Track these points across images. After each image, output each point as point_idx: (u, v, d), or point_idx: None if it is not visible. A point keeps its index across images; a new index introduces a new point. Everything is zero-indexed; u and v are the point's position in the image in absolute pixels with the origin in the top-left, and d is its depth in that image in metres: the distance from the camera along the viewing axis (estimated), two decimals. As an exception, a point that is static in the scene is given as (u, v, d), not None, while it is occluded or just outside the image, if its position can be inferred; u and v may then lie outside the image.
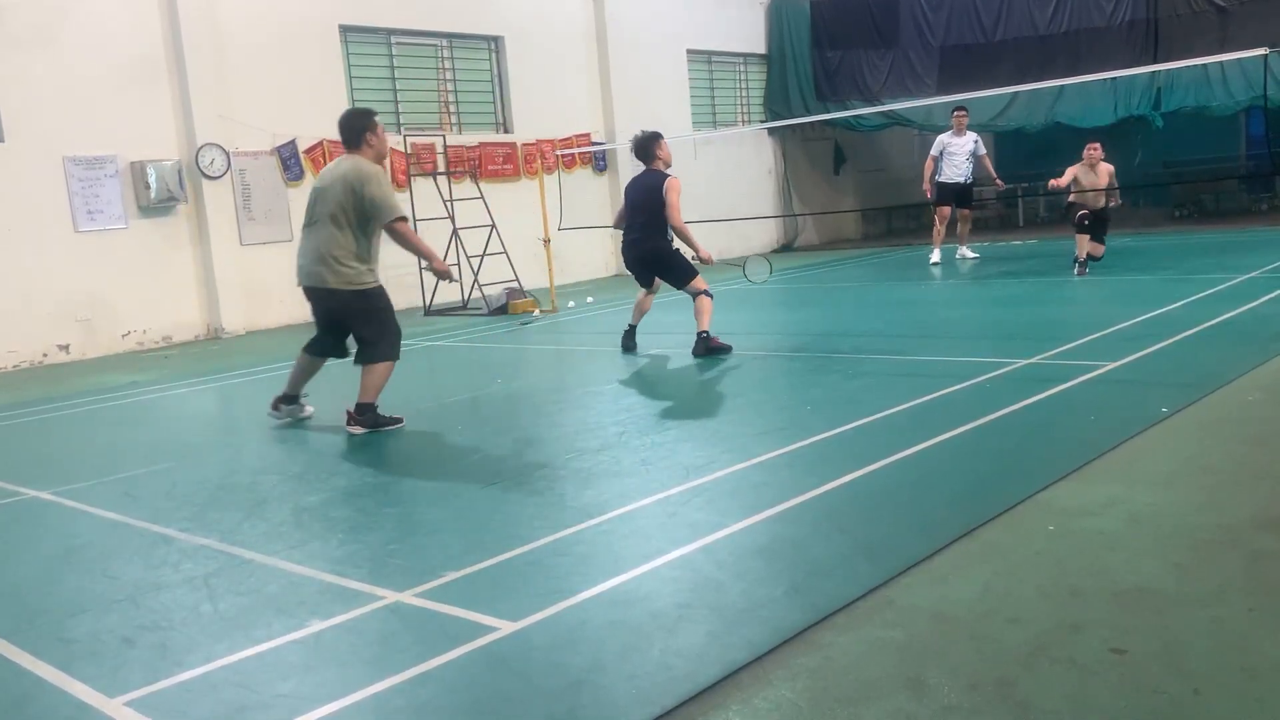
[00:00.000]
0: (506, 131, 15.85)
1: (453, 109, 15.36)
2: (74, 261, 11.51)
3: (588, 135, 16.75)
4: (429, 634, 3.13)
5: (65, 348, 11.52)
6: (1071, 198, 11.71)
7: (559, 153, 15.99)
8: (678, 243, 8.54)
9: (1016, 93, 16.02)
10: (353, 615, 3.33)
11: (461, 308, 13.38)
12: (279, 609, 3.44)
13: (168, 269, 12.31)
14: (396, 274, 14.25)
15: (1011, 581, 3.20)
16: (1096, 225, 11.65)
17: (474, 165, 14.84)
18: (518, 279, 13.24)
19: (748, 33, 19.70)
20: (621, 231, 8.79)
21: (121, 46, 11.86)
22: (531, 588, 3.42)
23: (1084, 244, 11.50)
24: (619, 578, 3.44)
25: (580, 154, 16.54)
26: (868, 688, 2.60)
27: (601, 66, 16.97)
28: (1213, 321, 7.42)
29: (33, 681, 3.06)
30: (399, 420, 6.30)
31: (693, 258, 8.60)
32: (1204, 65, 14.40)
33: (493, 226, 13.22)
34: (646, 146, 8.53)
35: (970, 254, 14.35)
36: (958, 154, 13.74)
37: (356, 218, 6.10)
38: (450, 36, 15.13)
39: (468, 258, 13.05)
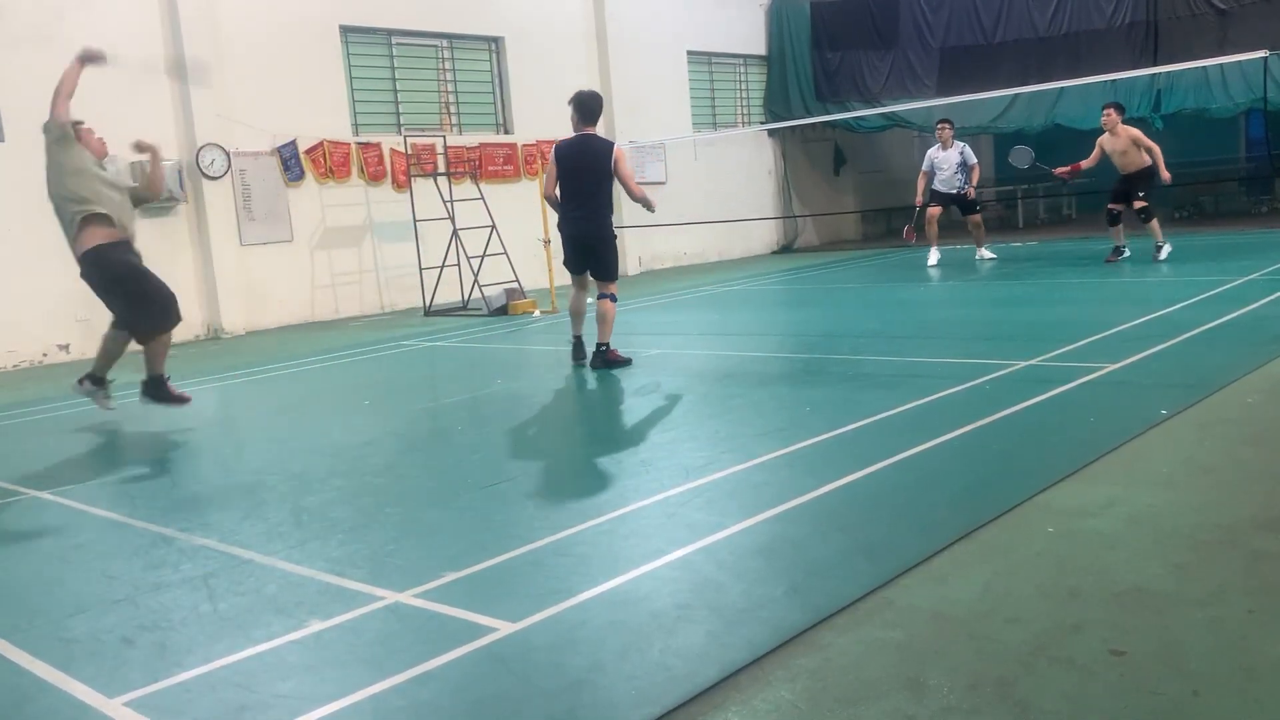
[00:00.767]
0: (507, 132, 15.86)
1: (453, 109, 15.37)
2: (73, 261, 11.46)
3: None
4: (429, 634, 3.13)
5: (65, 347, 11.52)
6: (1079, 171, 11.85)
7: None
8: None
9: (1016, 94, 16.05)
10: (352, 615, 3.33)
11: (461, 308, 13.38)
12: (278, 609, 3.44)
13: (167, 269, 12.20)
14: (397, 274, 14.30)
15: (1011, 582, 3.20)
16: (1135, 188, 11.60)
17: (474, 166, 14.85)
18: (518, 279, 13.24)
19: (748, 34, 19.71)
20: (555, 204, 7.66)
21: (121, 46, 11.83)
22: (531, 588, 3.42)
23: (1117, 234, 11.84)
24: (619, 578, 3.44)
25: (580, 155, 16.50)
26: (867, 688, 2.60)
27: (602, 67, 16.97)
28: (1212, 323, 7.42)
29: (32, 681, 3.06)
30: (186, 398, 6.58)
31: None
32: (1204, 67, 14.41)
33: (493, 227, 13.23)
34: (596, 105, 7.46)
35: (989, 254, 14.29)
36: (945, 167, 13.65)
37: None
38: (450, 37, 15.14)
39: (468, 258, 13.05)
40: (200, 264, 12.59)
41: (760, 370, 7.51)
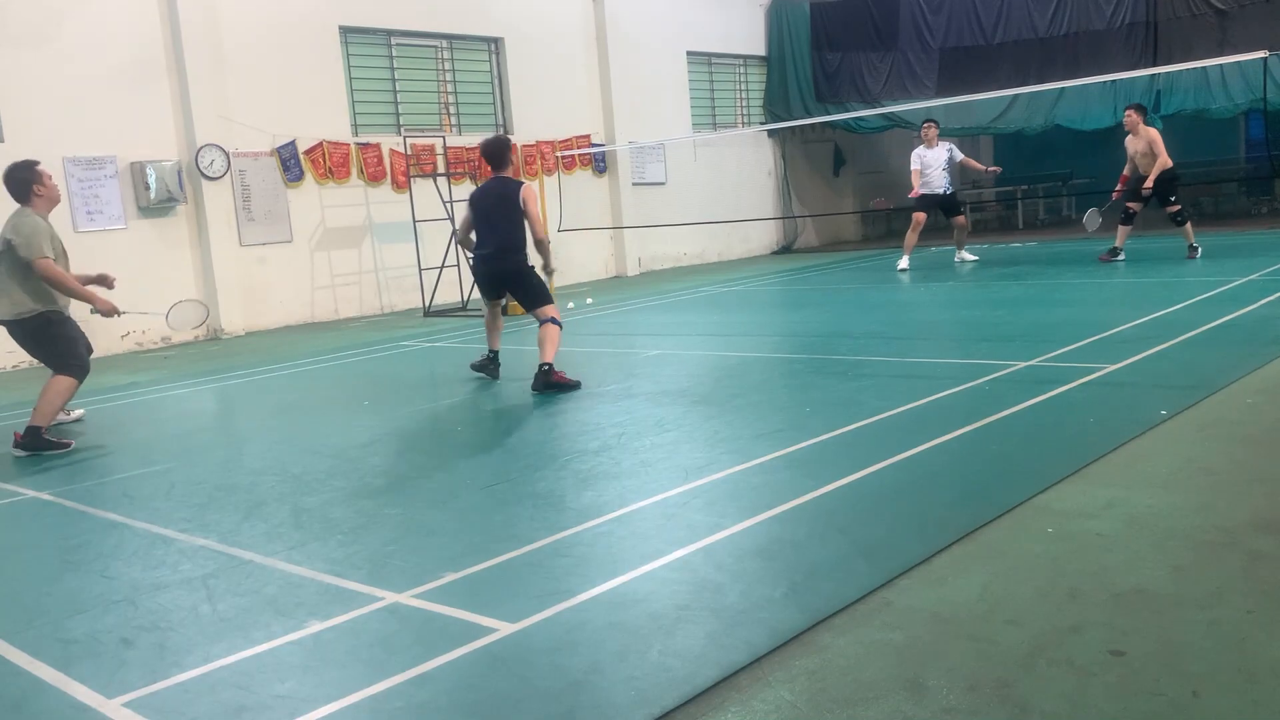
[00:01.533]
0: (506, 132, 15.86)
1: (452, 110, 15.37)
2: (73, 262, 11.42)
3: (588, 137, 16.76)
4: (428, 635, 3.13)
5: (64, 348, 11.50)
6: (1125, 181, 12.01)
7: (559, 154, 16.00)
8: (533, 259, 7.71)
9: (1016, 95, 16.05)
10: (352, 616, 3.33)
11: (461, 309, 13.38)
12: (278, 610, 3.44)
13: (167, 270, 12.30)
14: (396, 275, 14.30)
15: (1010, 583, 3.20)
16: (1161, 194, 11.79)
17: (474, 166, 14.84)
18: (517, 280, 13.22)
19: (747, 34, 19.71)
20: (469, 247, 7.96)
21: (121, 47, 11.87)
22: (530, 589, 3.42)
23: (1122, 234, 12.08)
24: (618, 579, 3.44)
25: (580, 155, 16.55)
26: (866, 689, 2.60)
27: (601, 68, 16.98)
28: (1212, 324, 7.42)
29: (31, 682, 3.06)
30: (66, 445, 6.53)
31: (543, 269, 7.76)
32: (1203, 68, 14.42)
33: (492, 227, 13.20)
34: (501, 150, 7.62)
35: (969, 256, 14.35)
36: (933, 166, 13.68)
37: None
38: (450, 37, 15.14)
39: (467, 259, 13.03)
40: (200, 265, 12.59)
41: (759, 371, 7.51)
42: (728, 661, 2.79)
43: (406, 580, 3.59)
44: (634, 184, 17.41)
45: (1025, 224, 20.77)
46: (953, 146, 13.85)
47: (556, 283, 13.42)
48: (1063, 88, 14.33)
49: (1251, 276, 9.83)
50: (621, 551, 3.75)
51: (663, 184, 17.90)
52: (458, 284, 13.47)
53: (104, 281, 7.49)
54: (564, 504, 4.39)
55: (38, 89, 11.27)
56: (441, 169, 13.81)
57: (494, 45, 15.69)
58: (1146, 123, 12.12)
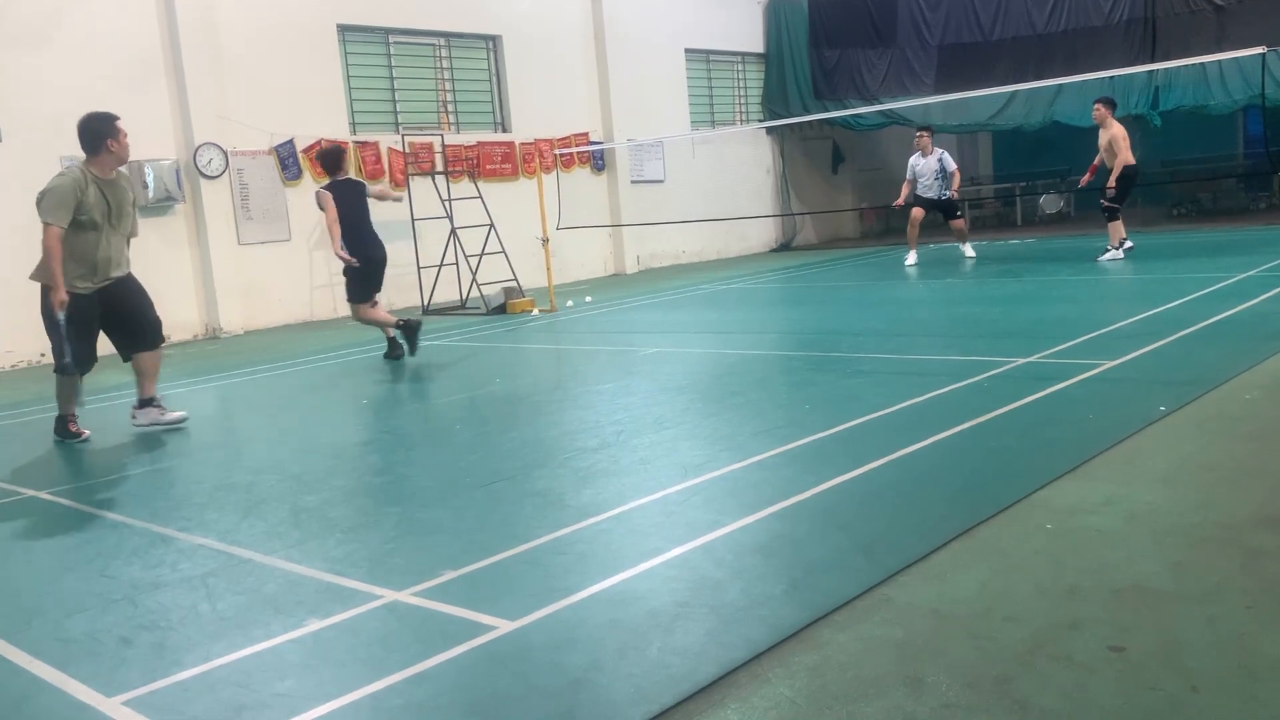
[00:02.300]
0: (505, 131, 15.85)
1: (451, 108, 15.36)
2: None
3: (586, 134, 16.75)
4: (427, 633, 3.13)
5: (63, 348, 11.50)
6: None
7: (557, 152, 15.99)
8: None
9: (1014, 92, 16.05)
10: (351, 614, 3.33)
11: (460, 307, 13.38)
12: (277, 608, 3.44)
13: (165, 269, 12.29)
14: (395, 273, 14.28)
15: (1010, 580, 3.20)
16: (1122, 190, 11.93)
17: (472, 165, 14.84)
18: (516, 278, 13.24)
19: (746, 32, 19.71)
20: (345, 249, 8.78)
21: (119, 46, 11.86)
22: (530, 587, 3.42)
23: (1116, 229, 12.07)
24: (617, 576, 3.44)
25: (578, 153, 16.54)
26: (866, 685, 2.60)
27: (600, 66, 16.97)
28: (1211, 320, 7.42)
29: (30, 681, 3.06)
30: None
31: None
32: (1202, 64, 14.44)
33: (491, 226, 13.22)
34: (335, 159, 8.92)
35: (969, 252, 14.37)
36: (925, 174, 13.84)
37: None
38: (448, 36, 15.13)
39: (466, 257, 13.05)
40: (198, 263, 12.58)
41: (758, 368, 7.51)
42: (727, 658, 2.79)
43: (406, 578, 3.59)
44: (632, 182, 17.41)
45: (1024, 220, 20.78)
46: (945, 155, 13.89)
47: (555, 281, 13.43)
48: (1061, 84, 14.32)
49: (1250, 272, 9.84)
50: (621, 549, 3.75)
51: (661, 182, 17.89)
52: (456, 282, 13.47)
53: None
54: (563, 502, 4.39)
55: (36, 88, 11.26)
56: (440, 167, 13.80)
57: (492, 43, 15.68)
58: (1117, 117, 12.26)
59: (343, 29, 13.87)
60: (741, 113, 20.10)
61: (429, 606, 3.33)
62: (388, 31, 14.44)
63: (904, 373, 6.63)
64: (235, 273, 12.74)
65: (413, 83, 14.86)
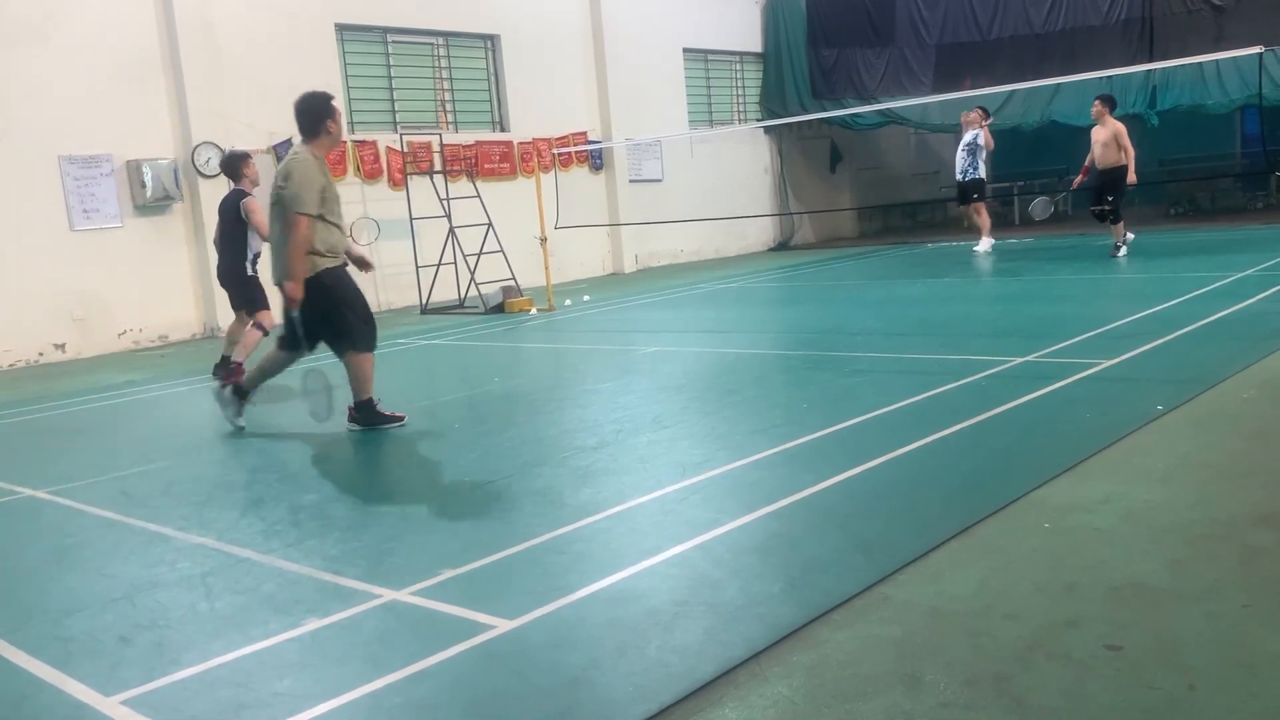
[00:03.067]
0: (503, 130, 15.85)
1: (449, 107, 15.35)
2: (69, 260, 11.50)
3: (584, 134, 16.75)
4: (426, 632, 3.13)
5: (61, 347, 11.51)
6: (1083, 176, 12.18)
7: (555, 151, 15.98)
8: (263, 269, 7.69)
9: (1012, 91, 16.05)
10: (350, 613, 3.33)
11: (458, 306, 13.37)
12: (276, 607, 3.44)
13: (163, 268, 12.29)
14: (393, 272, 14.29)
15: (1008, 578, 3.21)
16: (1105, 188, 11.99)
17: (470, 164, 14.83)
18: (514, 277, 13.23)
19: (744, 31, 19.70)
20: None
21: (117, 45, 11.85)
22: (529, 586, 3.42)
23: (1119, 231, 12.17)
24: (616, 575, 3.44)
25: (577, 152, 16.54)
26: (864, 684, 2.60)
27: (598, 65, 16.96)
28: (1208, 319, 7.43)
29: (29, 680, 3.06)
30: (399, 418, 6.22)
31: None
32: (1199, 64, 14.44)
33: (489, 225, 13.22)
34: (233, 164, 8.47)
35: (977, 248, 14.46)
36: (958, 152, 14.08)
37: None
38: (446, 35, 15.12)
39: (464, 256, 13.04)
40: (196, 262, 12.57)
41: (757, 367, 7.52)
42: (726, 657, 2.79)
43: (404, 577, 3.59)
44: (631, 181, 17.40)
45: (1021, 219, 20.77)
46: (978, 133, 13.93)
47: (554, 280, 13.42)
48: (1059, 83, 14.33)
49: (1247, 271, 9.85)
50: (619, 548, 3.75)
51: (659, 181, 17.89)
52: (454, 282, 13.46)
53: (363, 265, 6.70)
54: (562, 500, 4.39)
55: (34, 87, 11.24)
56: (438, 166, 13.79)
57: (490, 42, 15.67)
58: (1119, 117, 12.31)
59: (341, 28, 13.86)
60: (740, 112, 20.10)
61: (428, 605, 3.34)
62: (386, 31, 14.42)
63: (902, 372, 6.64)
64: (233, 272, 12.71)
65: (411, 82, 14.85)
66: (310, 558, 3.91)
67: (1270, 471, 4.05)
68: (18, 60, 11.09)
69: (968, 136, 13.96)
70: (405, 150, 14.06)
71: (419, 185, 13.84)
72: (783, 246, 20.23)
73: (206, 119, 12.43)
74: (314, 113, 6.07)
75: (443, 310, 13.18)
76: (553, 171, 15.89)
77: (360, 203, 14.10)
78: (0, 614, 3.65)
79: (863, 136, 20.78)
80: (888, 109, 16.97)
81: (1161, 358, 6.32)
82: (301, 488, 5.00)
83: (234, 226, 8.43)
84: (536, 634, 3.04)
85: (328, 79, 13.61)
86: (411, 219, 13.60)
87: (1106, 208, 12.09)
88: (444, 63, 15.21)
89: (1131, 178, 11.98)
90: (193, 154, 12.28)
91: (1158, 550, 3.33)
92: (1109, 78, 14.98)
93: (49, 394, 8.95)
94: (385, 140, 14.26)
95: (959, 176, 14.16)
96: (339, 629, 3.22)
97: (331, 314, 6.00)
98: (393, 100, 14.60)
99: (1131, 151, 11.90)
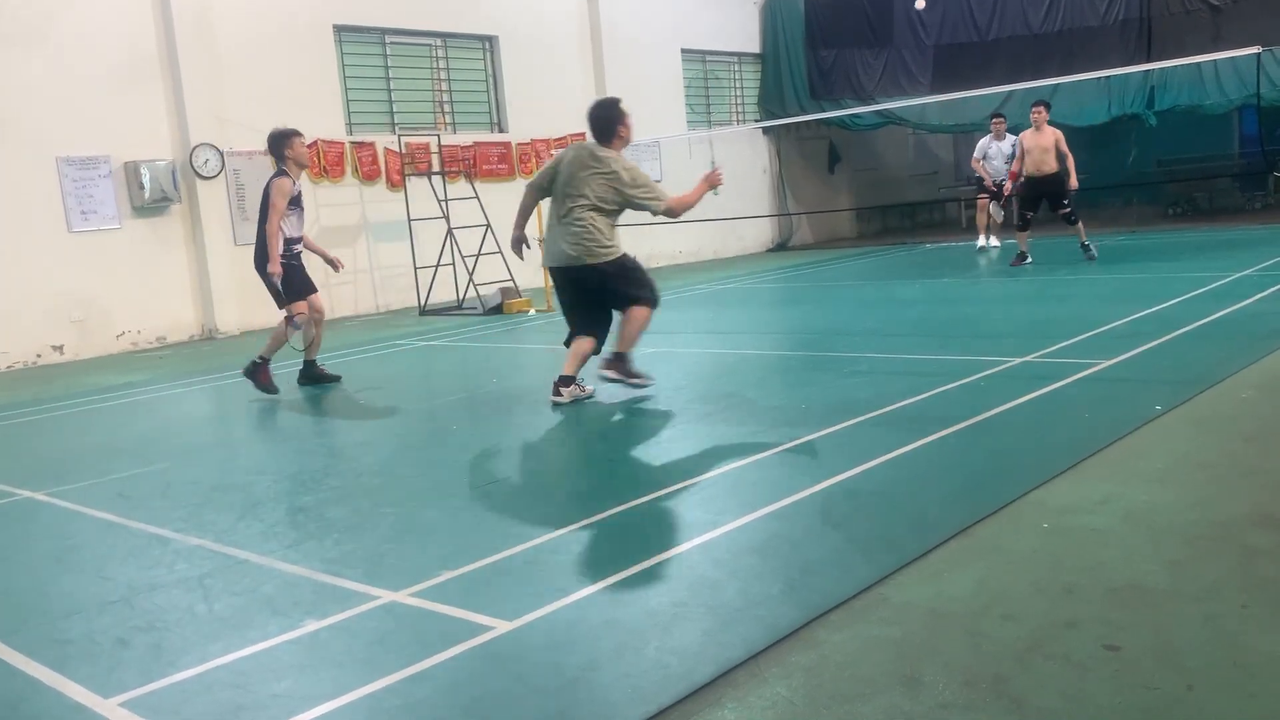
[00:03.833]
0: (501, 131, 15.85)
1: (447, 109, 15.35)
2: (68, 262, 11.49)
3: (583, 134, 16.72)
4: (424, 633, 3.13)
5: (59, 348, 11.50)
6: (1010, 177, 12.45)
7: (554, 151, 15.97)
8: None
9: (1010, 91, 16.03)
10: (348, 615, 3.33)
11: (456, 307, 13.37)
12: (274, 609, 3.44)
13: (162, 269, 12.28)
14: (391, 274, 14.29)
15: (1006, 579, 3.21)
16: (1044, 195, 12.20)
17: (469, 165, 14.83)
18: (513, 278, 13.23)
19: (742, 32, 19.71)
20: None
21: (115, 46, 11.85)
22: (527, 587, 3.42)
23: (1022, 238, 12.49)
24: (615, 576, 3.44)
25: (575, 153, 16.51)
26: (863, 685, 2.60)
27: (596, 66, 16.97)
28: (1206, 319, 7.44)
29: (27, 682, 3.05)
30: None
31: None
32: (1197, 64, 14.44)
33: (487, 226, 13.22)
34: (277, 142, 7.82)
35: (987, 242, 14.54)
36: (995, 158, 14.06)
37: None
38: (444, 36, 15.12)
39: (463, 257, 13.04)
40: (194, 264, 12.56)
41: (755, 368, 7.52)
42: (725, 658, 2.79)
43: (403, 579, 3.59)
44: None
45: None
46: (1016, 140, 13.85)
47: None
48: (1057, 84, 14.34)
49: (1246, 271, 9.85)
50: (618, 549, 3.75)
51: (658, 181, 17.85)
52: (453, 283, 13.46)
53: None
54: (560, 501, 4.40)
55: (31, 88, 11.24)
56: (436, 167, 13.79)
57: (488, 44, 15.67)
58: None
59: (339, 29, 13.86)
60: (738, 113, 20.10)
61: (426, 607, 3.33)
62: (384, 32, 14.42)
63: (900, 372, 6.64)
64: (231, 273, 12.71)
65: (409, 83, 14.85)
66: (309, 559, 3.91)
67: (1269, 472, 4.06)
68: (15, 61, 11.08)
69: (1009, 142, 13.80)
70: (403, 151, 14.06)
71: (417, 186, 13.84)
72: (781, 247, 20.23)
73: (204, 120, 12.43)
74: (607, 120, 6.61)
75: (441, 312, 13.18)
76: (551, 172, 15.86)
77: (358, 204, 14.10)
78: (-2, 616, 3.64)
79: (861, 137, 20.78)
80: (886, 109, 16.97)
81: (1160, 358, 6.33)
82: (300, 489, 5.00)
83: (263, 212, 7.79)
84: (535, 635, 3.04)
85: (325, 80, 13.63)
86: (410, 220, 13.60)
87: (1068, 211, 12.13)
88: (442, 64, 15.21)
89: (1073, 182, 12.07)
90: (191, 155, 12.27)
91: (1156, 551, 3.33)
92: (1107, 78, 15.00)
93: (47, 395, 8.94)
94: (383, 141, 14.26)
95: (998, 179, 14.00)
96: (337, 630, 3.22)
97: (632, 274, 6.47)
98: (391, 101, 14.60)
99: (1071, 157, 12.01)
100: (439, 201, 13.25)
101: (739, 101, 20.14)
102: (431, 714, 2.65)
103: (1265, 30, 13.72)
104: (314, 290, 7.96)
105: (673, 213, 6.72)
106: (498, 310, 12.49)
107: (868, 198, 21.43)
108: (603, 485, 4.59)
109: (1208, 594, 2.98)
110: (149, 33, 12.12)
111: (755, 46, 20.00)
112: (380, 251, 14.31)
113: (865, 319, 9.66)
